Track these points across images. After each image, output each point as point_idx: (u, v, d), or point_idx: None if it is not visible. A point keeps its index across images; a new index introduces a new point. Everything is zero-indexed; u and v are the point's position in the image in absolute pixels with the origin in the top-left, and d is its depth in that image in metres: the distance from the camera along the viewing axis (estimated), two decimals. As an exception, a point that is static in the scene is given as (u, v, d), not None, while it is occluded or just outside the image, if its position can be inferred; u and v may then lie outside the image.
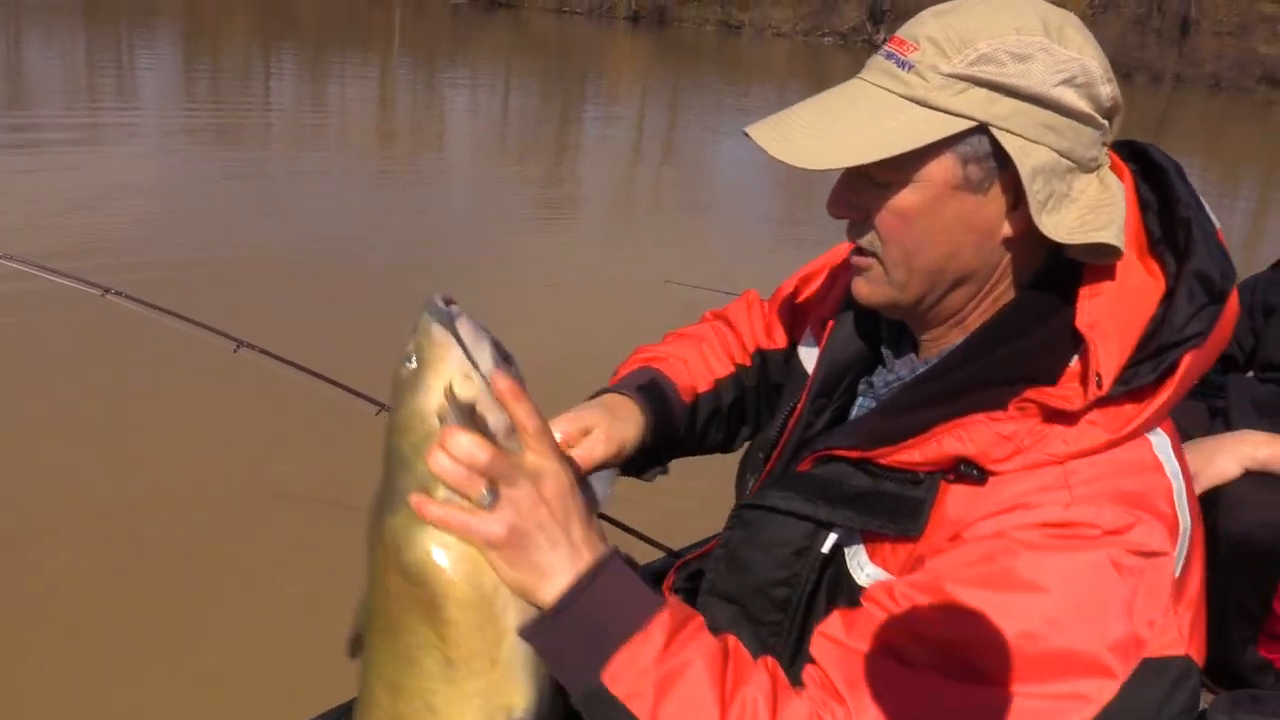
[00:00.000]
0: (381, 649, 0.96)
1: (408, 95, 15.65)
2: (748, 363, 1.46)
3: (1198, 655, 0.98)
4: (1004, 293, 1.06)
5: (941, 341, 1.11)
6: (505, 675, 0.93)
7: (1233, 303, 0.98)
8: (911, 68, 0.99)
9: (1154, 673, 0.92)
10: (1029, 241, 1.01)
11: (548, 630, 0.92)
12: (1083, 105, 0.98)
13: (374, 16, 28.69)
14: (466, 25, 30.80)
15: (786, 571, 1.09)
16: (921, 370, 1.11)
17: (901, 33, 1.02)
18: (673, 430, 1.34)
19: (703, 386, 1.42)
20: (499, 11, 35.95)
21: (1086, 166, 1.00)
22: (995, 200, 1.00)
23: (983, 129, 0.97)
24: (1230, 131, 22.51)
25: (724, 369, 1.45)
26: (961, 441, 0.98)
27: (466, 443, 0.87)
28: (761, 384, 1.47)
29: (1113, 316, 0.96)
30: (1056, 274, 1.02)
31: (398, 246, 6.81)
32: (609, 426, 1.22)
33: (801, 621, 1.08)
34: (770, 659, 0.98)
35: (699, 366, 1.44)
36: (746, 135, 1.03)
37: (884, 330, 1.20)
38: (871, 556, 1.03)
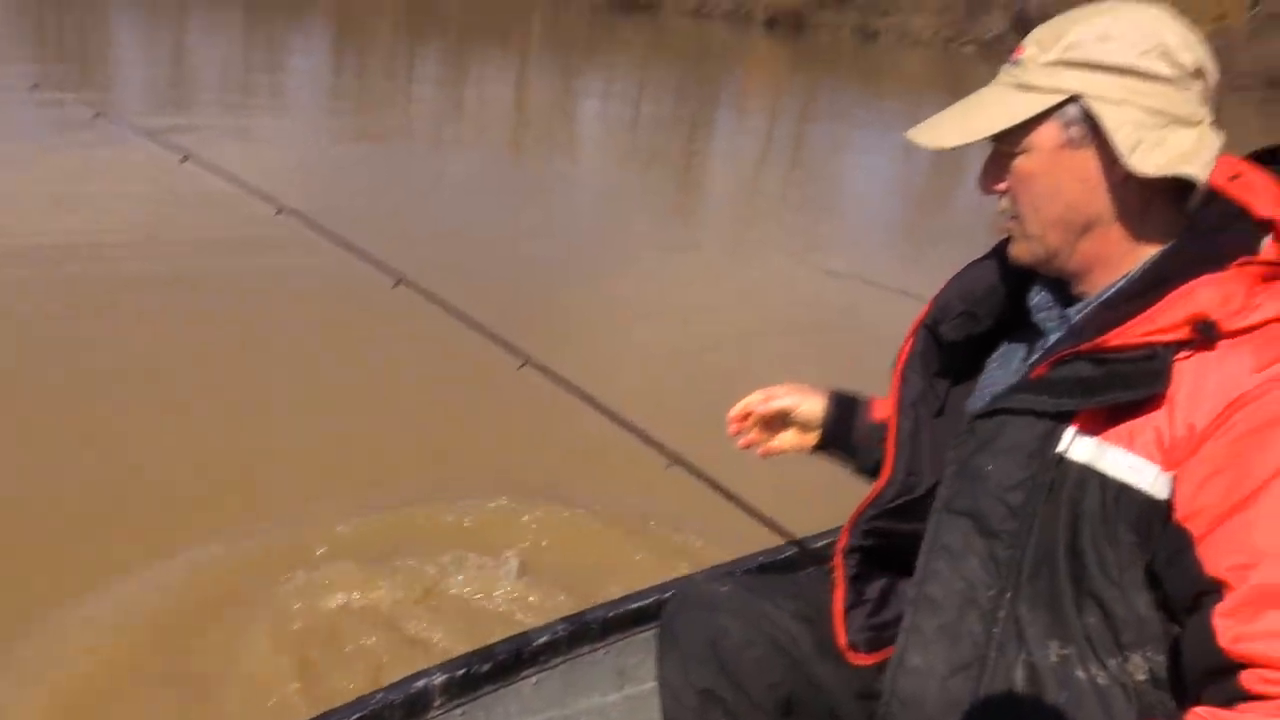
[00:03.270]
0: None
1: (543, 95, 15.93)
2: None
3: None
4: (1132, 233, 1.22)
5: (1093, 283, 1.25)
6: None
7: None
8: (1020, 64, 1.24)
9: None
10: (1135, 186, 1.18)
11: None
12: (1165, 70, 1.16)
13: (515, 15, 29.24)
14: (605, 26, 31.19)
15: (1024, 473, 1.17)
16: (1111, 292, 1.24)
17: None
18: (848, 431, 1.68)
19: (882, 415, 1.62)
20: (636, 14, 36.16)
21: (1185, 121, 1.17)
22: (1095, 154, 1.20)
23: (1075, 99, 1.18)
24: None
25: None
26: (1193, 299, 1.12)
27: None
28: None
29: None
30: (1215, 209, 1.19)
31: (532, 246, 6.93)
32: (797, 398, 1.69)
33: (1033, 531, 1.17)
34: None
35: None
36: (909, 139, 1.27)
37: (1033, 297, 1.35)
38: (1128, 447, 1.12)
